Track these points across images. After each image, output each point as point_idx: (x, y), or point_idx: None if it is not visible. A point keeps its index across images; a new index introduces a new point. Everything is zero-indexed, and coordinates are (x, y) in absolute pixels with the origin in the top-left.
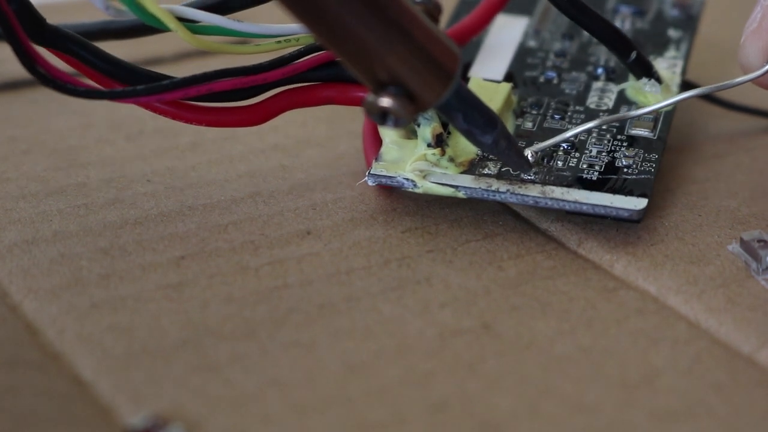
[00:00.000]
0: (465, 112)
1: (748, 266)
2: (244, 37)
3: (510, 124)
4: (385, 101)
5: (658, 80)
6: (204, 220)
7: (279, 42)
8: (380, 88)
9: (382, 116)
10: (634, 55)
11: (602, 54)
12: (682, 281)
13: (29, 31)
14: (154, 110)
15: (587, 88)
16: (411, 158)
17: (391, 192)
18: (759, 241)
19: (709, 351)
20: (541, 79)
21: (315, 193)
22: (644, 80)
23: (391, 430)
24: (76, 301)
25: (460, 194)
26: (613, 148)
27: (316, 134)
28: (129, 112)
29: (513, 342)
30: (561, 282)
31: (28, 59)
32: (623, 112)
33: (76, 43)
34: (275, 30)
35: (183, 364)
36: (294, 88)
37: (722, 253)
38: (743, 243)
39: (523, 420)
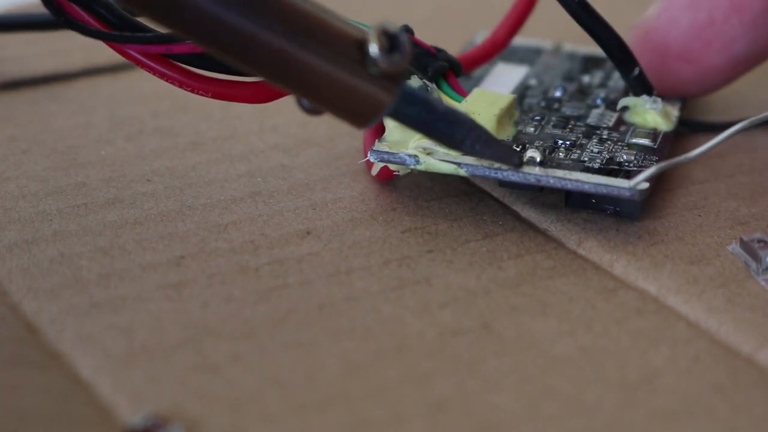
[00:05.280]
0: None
1: (748, 267)
2: None
3: (511, 133)
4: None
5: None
6: (204, 220)
7: None
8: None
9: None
10: (637, 71)
11: (602, 93)
12: (682, 281)
13: None
14: (162, 76)
15: (587, 113)
16: (414, 138)
17: (391, 192)
18: (759, 241)
19: (709, 351)
20: (542, 104)
21: (315, 193)
22: (645, 97)
23: (391, 430)
24: (75, 300)
25: (462, 171)
26: (614, 150)
27: (315, 134)
28: (129, 112)
29: (513, 342)
30: (561, 282)
31: None
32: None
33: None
34: None
35: (183, 363)
36: None
37: (722, 253)
38: (743, 243)
39: (522, 420)
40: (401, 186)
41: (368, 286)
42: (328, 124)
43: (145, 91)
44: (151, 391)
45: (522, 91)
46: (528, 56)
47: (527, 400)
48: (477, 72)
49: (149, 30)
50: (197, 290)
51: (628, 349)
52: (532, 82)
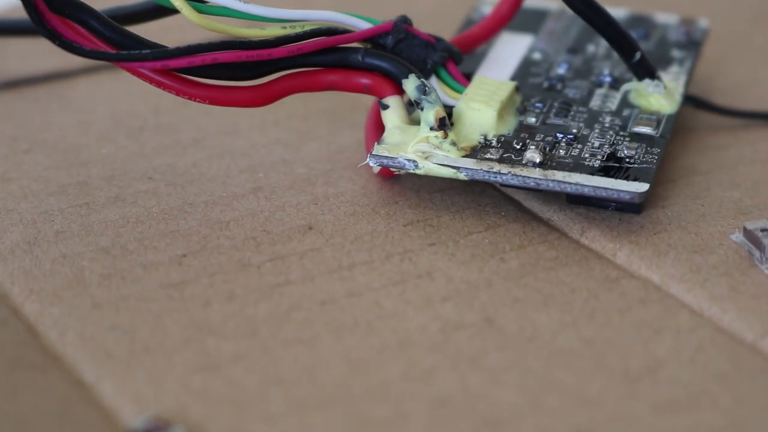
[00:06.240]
0: None
1: (751, 255)
2: (250, 20)
3: (513, 121)
4: None
5: (661, 81)
6: (205, 217)
7: (284, 28)
8: None
9: None
10: (638, 56)
11: (606, 68)
12: (685, 270)
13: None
14: (159, 85)
15: (590, 94)
16: (413, 141)
17: (393, 184)
18: (762, 230)
19: (712, 340)
20: (545, 85)
21: (316, 187)
22: (647, 81)
23: (393, 427)
24: (77, 301)
25: (462, 176)
26: (615, 142)
27: (317, 128)
28: (130, 109)
29: (515, 335)
30: (563, 272)
31: (36, 14)
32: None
33: (87, 13)
34: (281, 14)
35: (185, 363)
36: (298, 72)
37: (725, 242)
38: (746, 232)
39: (525, 414)
40: (403, 178)
41: (370, 281)
42: (329, 118)
43: (146, 88)
44: (153, 392)
45: (526, 69)
46: (532, 21)
47: (530, 394)
48: (480, 45)
49: (146, 43)
50: (199, 289)
51: (630, 340)
52: (536, 56)
